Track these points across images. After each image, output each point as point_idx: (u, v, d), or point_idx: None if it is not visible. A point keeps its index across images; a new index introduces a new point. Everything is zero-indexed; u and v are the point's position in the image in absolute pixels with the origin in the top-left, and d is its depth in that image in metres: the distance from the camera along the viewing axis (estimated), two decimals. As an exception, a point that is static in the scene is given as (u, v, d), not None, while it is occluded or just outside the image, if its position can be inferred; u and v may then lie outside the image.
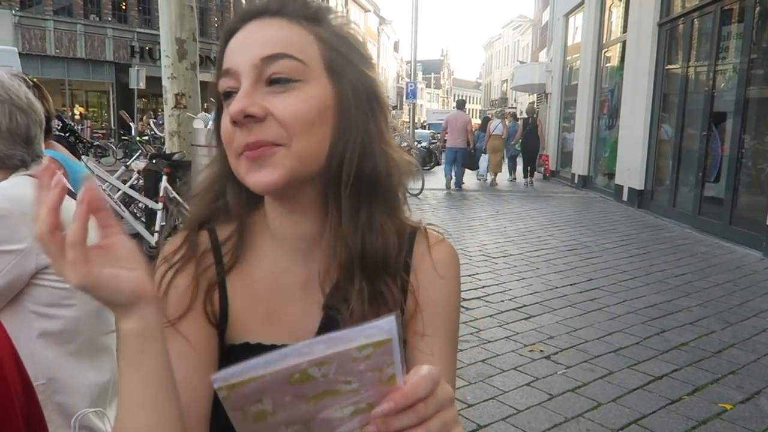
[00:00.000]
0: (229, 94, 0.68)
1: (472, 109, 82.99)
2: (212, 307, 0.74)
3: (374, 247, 0.72)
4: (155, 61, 24.20)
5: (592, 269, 5.25)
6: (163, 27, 5.03)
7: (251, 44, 0.67)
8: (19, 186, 1.26)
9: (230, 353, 0.73)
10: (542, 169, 15.49)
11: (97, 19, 24.48)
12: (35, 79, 1.96)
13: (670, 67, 9.01)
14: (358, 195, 0.70)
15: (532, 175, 13.98)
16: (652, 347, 3.38)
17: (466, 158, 12.21)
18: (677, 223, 7.88)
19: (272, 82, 0.66)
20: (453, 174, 12.07)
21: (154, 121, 14.29)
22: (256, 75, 0.66)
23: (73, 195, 1.39)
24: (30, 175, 1.31)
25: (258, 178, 0.66)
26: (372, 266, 0.72)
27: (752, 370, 3.08)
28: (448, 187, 12.04)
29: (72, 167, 1.80)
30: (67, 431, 1.25)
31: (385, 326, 0.47)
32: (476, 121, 19.54)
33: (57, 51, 23.22)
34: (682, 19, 8.50)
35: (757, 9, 6.62)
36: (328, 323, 0.73)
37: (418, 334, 0.75)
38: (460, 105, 13.44)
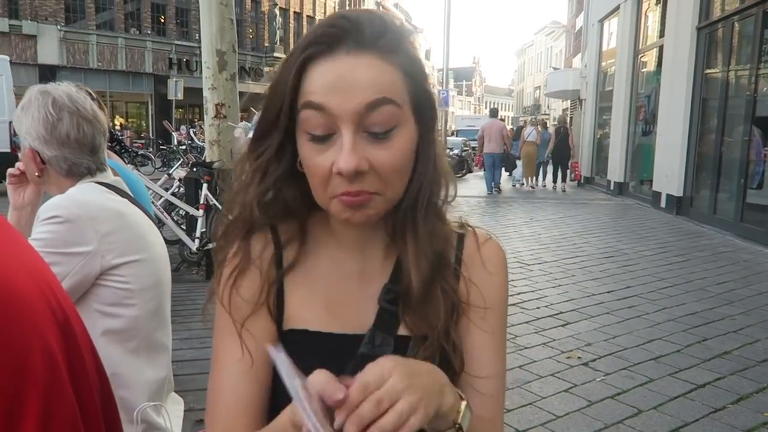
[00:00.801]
0: (317, 135, 0.68)
1: (505, 116, 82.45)
2: (272, 302, 0.79)
3: (432, 245, 0.76)
4: (192, 72, 24.80)
5: (630, 276, 5.18)
6: (204, 39, 5.18)
7: (352, 86, 0.66)
8: (85, 192, 1.35)
9: (289, 337, 0.78)
10: (572, 175, 15.67)
11: (137, 32, 25.25)
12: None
13: (709, 71, 8.83)
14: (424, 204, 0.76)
15: (564, 181, 14.27)
16: (694, 355, 3.33)
17: (504, 161, 12.97)
18: (718, 230, 7.69)
19: (372, 132, 0.67)
20: (494, 178, 12.73)
21: (194, 130, 14.62)
22: (358, 122, 0.66)
23: (132, 200, 1.47)
24: (95, 182, 1.39)
25: (353, 219, 0.70)
26: (429, 263, 0.76)
27: (799, 379, 3.01)
28: (490, 191, 12.55)
29: (126, 175, 1.89)
30: (128, 426, 1.32)
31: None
32: (509, 128, 19.61)
33: (99, 64, 23.99)
34: (722, 22, 8.33)
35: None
36: (384, 316, 0.77)
37: (473, 325, 0.79)
38: (494, 113, 13.96)
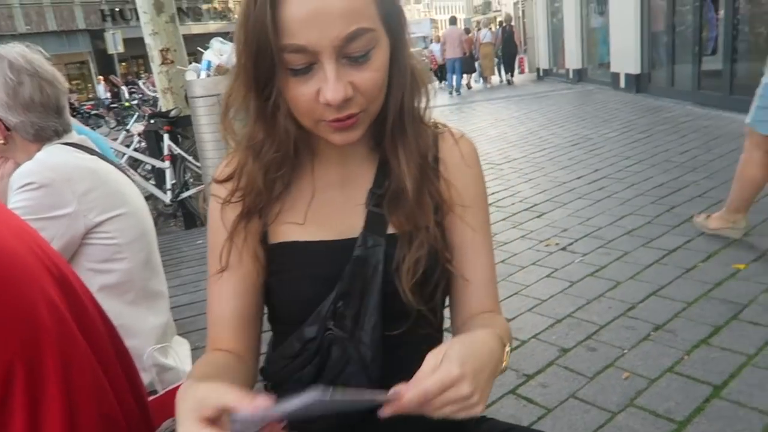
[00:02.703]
0: (300, 68, 0.69)
1: (457, 18, 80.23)
2: (258, 221, 0.84)
3: (419, 149, 0.81)
4: (128, 22, 23.53)
5: (598, 160, 5.32)
6: (133, -17, 4.92)
7: (327, 20, 0.67)
8: (55, 154, 1.34)
9: (279, 250, 0.83)
10: (519, 69, 17.16)
11: (61, -14, 23.69)
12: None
13: (655, -60, 8.66)
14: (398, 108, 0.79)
15: (512, 75, 15.74)
16: (664, 224, 3.50)
17: (464, 65, 14.36)
18: (677, 102, 7.83)
19: (350, 57, 0.70)
20: (454, 81, 14.07)
21: (142, 82, 14.07)
22: (338, 53, 0.68)
23: (101, 156, 1.46)
24: (61, 144, 1.38)
25: (345, 139, 0.74)
26: (418, 166, 0.81)
27: (762, 229, 3.20)
28: (451, 93, 13.76)
29: (86, 132, 1.87)
30: (140, 373, 1.39)
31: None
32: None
33: (27, 27, 22.64)
34: None
35: None
36: (373, 219, 0.82)
37: (460, 217, 0.85)
38: (452, 21, 15.54)
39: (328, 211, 0.84)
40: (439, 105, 11.65)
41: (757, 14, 6.25)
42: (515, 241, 3.59)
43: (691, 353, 2.17)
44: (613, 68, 10.20)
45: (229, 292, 0.84)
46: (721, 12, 6.84)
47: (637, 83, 9.34)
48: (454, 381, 0.59)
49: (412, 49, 0.80)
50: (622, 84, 9.84)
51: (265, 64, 0.70)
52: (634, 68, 9.34)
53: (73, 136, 1.45)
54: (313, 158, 0.84)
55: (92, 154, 1.44)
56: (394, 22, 0.75)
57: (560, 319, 2.57)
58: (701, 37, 7.39)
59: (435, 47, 18.74)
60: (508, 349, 0.74)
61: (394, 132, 0.80)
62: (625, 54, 9.54)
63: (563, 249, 3.36)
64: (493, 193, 4.69)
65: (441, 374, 0.59)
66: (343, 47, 0.68)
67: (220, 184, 0.84)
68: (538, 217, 3.99)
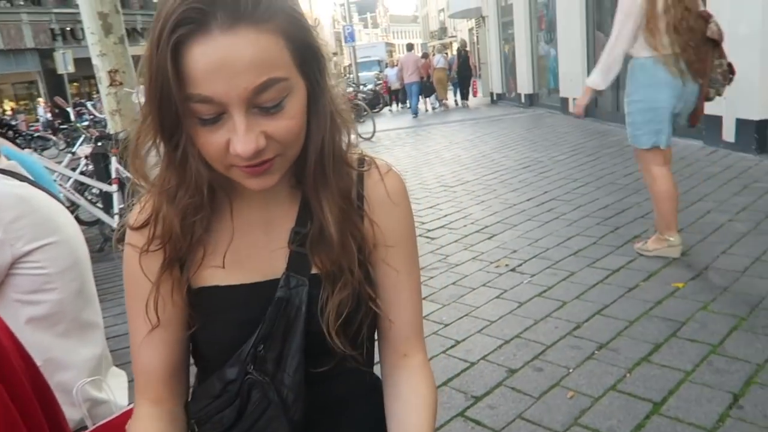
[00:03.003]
0: (209, 118, 0.66)
1: (414, 44, 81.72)
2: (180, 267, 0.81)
3: (340, 190, 0.79)
4: (80, 41, 23.01)
5: (547, 182, 5.46)
6: (82, 3, 4.82)
7: (233, 71, 0.63)
8: (-23, 182, 1.29)
9: (203, 295, 0.80)
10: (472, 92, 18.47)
11: (9, 4, 23.01)
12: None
13: (598, -28, 9.05)
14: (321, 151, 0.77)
15: (466, 98, 16.98)
16: (608, 244, 3.60)
17: (422, 89, 15.52)
18: (622, 126, 8.06)
19: (262, 107, 0.66)
20: (413, 104, 15.07)
21: (92, 102, 13.76)
22: (247, 104, 0.65)
23: (32, 183, 1.42)
24: (-15, 170, 1.33)
25: (260, 184, 0.71)
26: (339, 207, 0.79)
27: (699, 249, 3.33)
28: (415, 115, 14.74)
29: (20, 158, 1.80)
30: (70, 408, 1.33)
31: None
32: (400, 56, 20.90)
33: (-29, 46, 21.89)
34: None
35: None
36: (296, 259, 0.80)
37: (383, 258, 0.84)
38: (410, 47, 16.23)
39: (250, 252, 0.81)
40: (393, 128, 11.79)
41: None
42: (466, 262, 3.63)
43: (632, 371, 2.22)
44: (562, 93, 10.54)
45: (156, 342, 0.81)
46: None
47: (585, 108, 9.64)
48: None
49: (335, 84, 0.77)
50: (571, 108, 10.16)
51: (170, 113, 0.66)
52: (582, 93, 9.66)
53: (2, 162, 1.40)
54: (232, 200, 0.81)
55: (22, 180, 1.39)
56: (310, 68, 0.71)
57: (508, 339, 2.60)
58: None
59: (390, 72, 19.35)
60: None
61: (316, 175, 0.77)
62: (573, 80, 9.88)
63: (513, 270, 3.41)
64: (446, 215, 4.75)
65: None
66: (252, 98, 0.65)
67: (136, 231, 0.80)
68: (489, 238, 4.05)
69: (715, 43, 2.98)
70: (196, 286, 0.81)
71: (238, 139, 0.65)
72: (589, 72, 9.38)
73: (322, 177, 0.77)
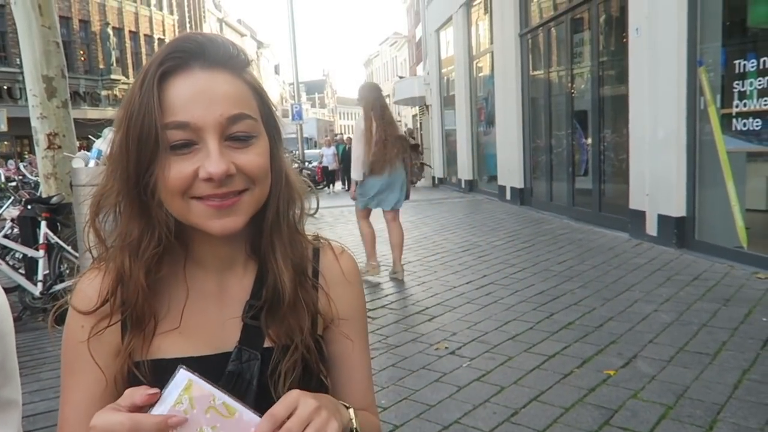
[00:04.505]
0: (181, 144, 0.70)
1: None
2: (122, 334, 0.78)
3: (293, 256, 0.81)
4: (16, 101, 22.45)
5: (485, 266, 5.59)
6: (27, 65, 4.76)
7: (212, 100, 0.70)
8: None
9: (147, 368, 0.76)
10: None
11: (-57, 59, 22.36)
12: None
13: (534, 73, 9.78)
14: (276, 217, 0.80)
15: (416, 180, 17.62)
16: (544, 330, 3.69)
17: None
18: (556, 215, 8.54)
19: (234, 138, 0.71)
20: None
21: (24, 164, 13.26)
22: (221, 132, 0.70)
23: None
24: None
25: (224, 224, 0.72)
26: (292, 272, 0.80)
27: (628, 337, 3.45)
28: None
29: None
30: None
31: (179, 377, 0.63)
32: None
33: None
34: (540, 28, 9.28)
35: (602, 17, 7.40)
36: (250, 332, 0.79)
37: (338, 330, 0.86)
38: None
39: (202, 322, 0.80)
40: (337, 206, 11.89)
41: (619, 143, 7.13)
42: (407, 344, 3.61)
43: (568, 460, 2.23)
44: (500, 181, 11.03)
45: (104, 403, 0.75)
46: (590, 139, 7.72)
47: (521, 196, 10.13)
48: (296, 400, 0.63)
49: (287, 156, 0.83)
50: (508, 196, 10.63)
51: (149, 144, 0.69)
52: (519, 183, 10.17)
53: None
54: (187, 262, 0.80)
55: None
56: (271, 127, 0.78)
57: (447, 425, 2.56)
58: (574, 159, 8.26)
59: (327, 151, 18.45)
60: (353, 410, 0.76)
61: (273, 236, 0.79)
62: (510, 169, 10.40)
63: (452, 353, 3.42)
64: (387, 296, 4.76)
65: (302, 408, 0.63)
66: (226, 127, 0.70)
67: (88, 315, 0.76)
68: (429, 320, 4.06)
69: (414, 149, 5.62)
70: (148, 358, 0.77)
71: (210, 161, 0.69)
72: (525, 162, 9.98)
73: (279, 240, 0.80)
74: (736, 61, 4.92)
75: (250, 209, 0.74)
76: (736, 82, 4.93)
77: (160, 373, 0.76)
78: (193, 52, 0.71)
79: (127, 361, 0.76)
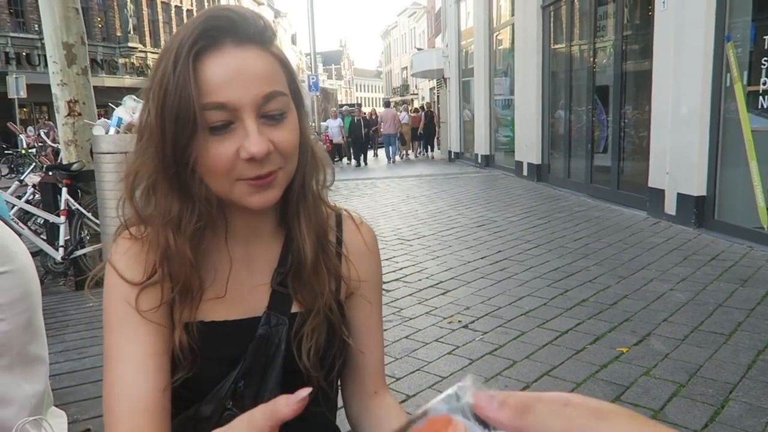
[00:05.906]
0: (220, 125, 0.70)
1: (375, 98, 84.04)
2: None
3: (318, 222, 0.84)
4: (35, 67, 22.55)
5: (500, 242, 5.59)
6: (47, 31, 4.77)
7: (247, 79, 0.70)
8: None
9: (199, 329, 0.78)
10: (438, 146, 20.63)
11: (-36, 25, 22.46)
12: None
13: (555, 46, 9.60)
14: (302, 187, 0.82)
15: (432, 151, 20.19)
16: (558, 306, 3.69)
17: (398, 139, 18.81)
18: (573, 192, 8.47)
19: (269, 116, 0.73)
20: (390, 152, 18.23)
21: (44, 130, 13.38)
22: (257, 111, 0.71)
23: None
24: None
25: (264, 199, 0.74)
26: (317, 237, 0.83)
27: (643, 316, 3.45)
28: (390, 160, 18.12)
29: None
30: (7, 446, 1.26)
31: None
32: (380, 110, 21.68)
33: None
34: (564, 0, 9.07)
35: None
36: (278, 298, 0.83)
37: (362, 298, 0.89)
38: (387, 104, 20.22)
39: (233, 288, 0.82)
40: (353, 178, 11.90)
41: (640, 120, 7.01)
42: (420, 316, 3.64)
43: (579, 434, 2.25)
44: (517, 157, 10.94)
45: (146, 366, 0.74)
46: (610, 115, 7.61)
47: (538, 172, 10.04)
48: None
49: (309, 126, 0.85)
50: (525, 172, 10.54)
51: (187, 125, 0.69)
52: (536, 159, 10.07)
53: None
54: (222, 234, 0.82)
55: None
56: (297, 99, 0.79)
57: (459, 397, 2.60)
58: (594, 136, 8.15)
59: (332, 123, 17.73)
60: None
61: (299, 203, 0.82)
62: (528, 145, 10.29)
63: (465, 327, 3.44)
64: (401, 269, 4.78)
65: None
66: (262, 105, 0.71)
67: (140, 286, 0.76)
68: (443, 294, 4.09)
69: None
70: (195, 319, 0.78)
71: (250, 141, 0.70)
72: (543, 138, 9.86)
73: (304, 208, 0.82)
74: (767, 37, 4.79)
75: (284, 183, 0.77)
76: (765, 58, 4.81)
77: (204, 336, 0.78)
78: (225, 30, 0.71)
79: (179, 326, 0.77)
